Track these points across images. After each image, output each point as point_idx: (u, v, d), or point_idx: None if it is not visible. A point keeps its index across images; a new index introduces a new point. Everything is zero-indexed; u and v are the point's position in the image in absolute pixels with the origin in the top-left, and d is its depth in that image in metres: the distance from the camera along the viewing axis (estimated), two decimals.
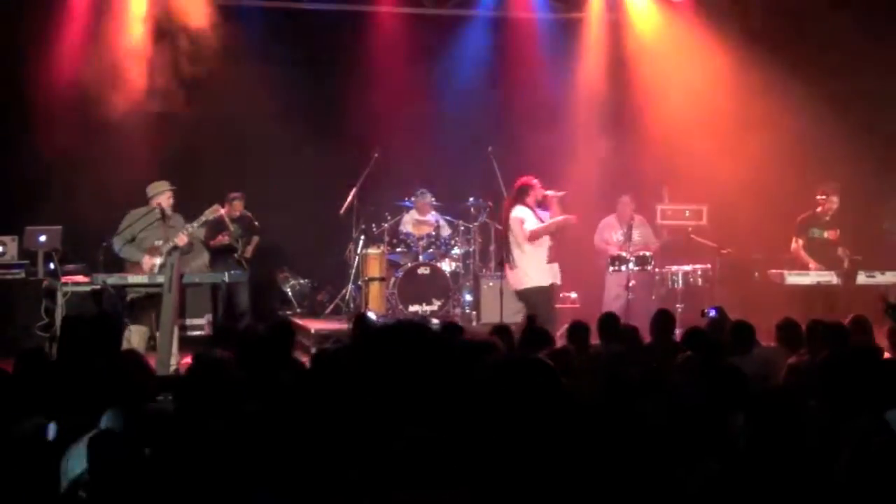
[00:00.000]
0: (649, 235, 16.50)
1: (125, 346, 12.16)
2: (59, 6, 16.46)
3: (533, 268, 13.71)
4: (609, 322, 10.37)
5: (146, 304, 12.79)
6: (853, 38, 15.73)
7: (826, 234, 14.92)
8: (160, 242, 12.89)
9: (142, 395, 5.61)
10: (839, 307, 13.01)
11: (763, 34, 17.00)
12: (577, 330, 10.09)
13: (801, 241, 15.03)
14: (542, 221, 13.68)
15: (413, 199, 17.08)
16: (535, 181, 13.80)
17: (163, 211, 13.06)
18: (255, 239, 16.25)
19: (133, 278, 12.66)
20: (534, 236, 13.69)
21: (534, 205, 13.74)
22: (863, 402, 5.16)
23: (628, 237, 15.87)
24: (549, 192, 13.77)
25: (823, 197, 15.03)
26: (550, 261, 13.72)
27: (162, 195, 13.19)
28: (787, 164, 16.17)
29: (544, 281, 13.70)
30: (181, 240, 12.79)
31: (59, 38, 16.35)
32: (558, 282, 13.94)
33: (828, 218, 14.96)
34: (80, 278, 13.53)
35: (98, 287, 12.62)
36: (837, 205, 14.98)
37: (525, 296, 13.79)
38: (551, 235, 13.72)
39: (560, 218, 13.75)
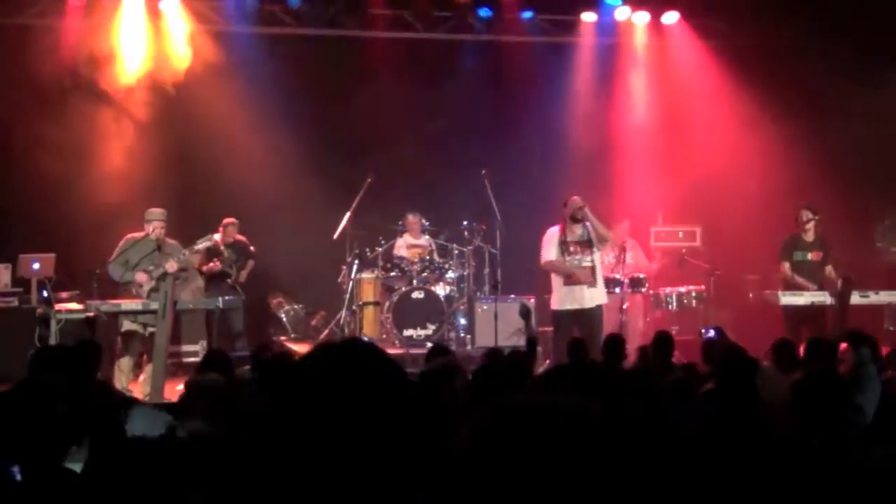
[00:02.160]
0: (641, 258, 16.51)
1: (116, 373, 12.21)
2: (54, 27, 16.44)
3: (554, 289, 13.76)
4: (616, 343, 10.38)
5: (136, 335, 12.79)
6: (840, 63, 15.77)
7: (810, 256, 14.92)
8: (152, 268, 12.89)
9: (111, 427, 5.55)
10: (833, 328, 13.01)
11: (754, 57, 17.05)
12: (577, 346, 10.14)
13: (787, 265, 15.02)
14: (562, 243, 13.69)
15: (401, 222, 17.09)
16: (572, 199, 13.76)
17: (157, 240, 13.06)
18: (250, 264, 16.24)
19: (127, 305, 12.65)
20: (544, 265, 13.88)
21: (568, 220, 13.69)
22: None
23: (621, 260, 15.87)
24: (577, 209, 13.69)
25: (802, 217, 15.03)
26: (571, 283, 13.67)
27: (150, 224, 13.17)
28: (781, 185, 16.19)
29: (556, 304, 13.70)
30: (171, 266, 12.77)
31: (49, 63, 16.32)
32: (586, 305, 13.63)
33: (811, 239, 14.96)
34: (73, 306, 13.52)
35: (92, 314, 12.61)
36: (817, 222, 14.95)
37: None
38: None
39: (571, 272, 13.70)
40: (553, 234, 13.80)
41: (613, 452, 2.33)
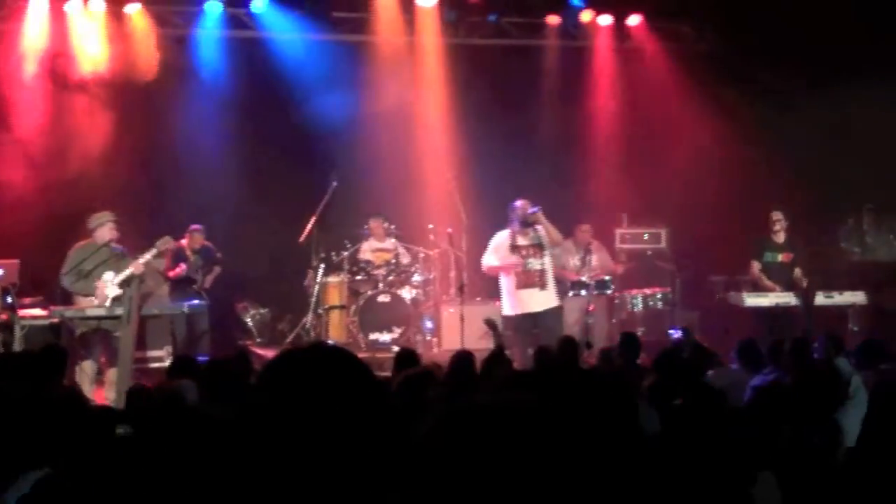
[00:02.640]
0: (606, 260, 16.52)
1: (80, 379, 12.13)
2: (11, 39, 16.36)
3: (503, 295, 13.80)
4: (570, 345, 10.40)
5: (94, 339, 12.69)
6: (802, 65, 15.87)
7: (780, 258, 14.99)
8: (111, 275, 12.78)
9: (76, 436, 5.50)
10: (798, 328, 13.07)
11: (717, 60, 17.13)
12: (543, 353, 10.13)
13: (758, 265, 15.09)
14: (513, 247, 13.69)
15: (366, 226, 17.07)
16: (517, 203, 13.80)
17: (112, 249, 12.96)
18: (216, 269, 16.16)
19: (91, 311, 12.57)
20: (487, 270, 14.12)
21: (518, 225, 13.73)
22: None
23: (585, 262, 15.89)
24: (530, 210, 13.73)
25: (772, 218, 15.10)
26: (522, 286, 13.68)
27: (104, 226, 13.06)
28: (746, 187, 16.27)
29: (508, 310, 13.74)
30: (137, 267, 12.67)
31: (11, 70, 16.26)
32: (536, 308, 13.76)
33: (781, 241, 15.03)
34: (37, 312, 13.44)
35: (56, 320, 12.54)
36: (787, 224, 15.03)
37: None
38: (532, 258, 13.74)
39: (508, 263, 13.77)
40: (503, 238, 13.86)
41: (549, 446, 2.38)
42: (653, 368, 9.12)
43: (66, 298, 13.20)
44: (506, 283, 13.77)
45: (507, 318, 13.91)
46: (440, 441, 2.43)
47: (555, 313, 13.87)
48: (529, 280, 13.64)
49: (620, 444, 4.27)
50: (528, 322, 13.63)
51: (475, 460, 2.38)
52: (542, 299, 13.70)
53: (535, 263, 13.69)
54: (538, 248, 13.74)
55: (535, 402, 2.53)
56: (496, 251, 13.83)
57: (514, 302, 13.70)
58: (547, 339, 12.74)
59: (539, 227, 13.70)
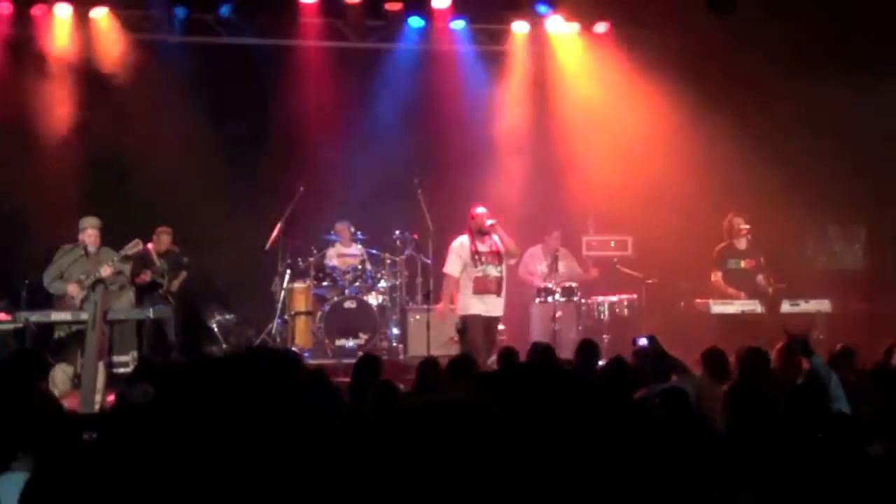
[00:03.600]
0: (574, 267, 16.58)
1: (50, 384, 12.03)
2: None
3: (461, 296, 13.82)
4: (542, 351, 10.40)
5: (71, 342, 12.66)
6: (769, 73, 15.95)
7: (743, 264, 15.07)
8: (84, 276, 12.76)
9: (54, 438, 5.50)
10: (764, 336, 13.11)
11: (683, 67, 17.20)
12: (507, 356, 10.16)
13: (720, 274, 15.15)
14: (474, 252, 13.76)
15: (333, 231, 17.06)
16: (476, 211, 13.86)
17: (86, 248, 12.93)
18: (183, 274, 16.13)
19: (57, 315, 12.53)
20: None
21: (475, 233, 13.79)
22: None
23: (553, 269, 15.93)
24: (488, 222, 13.80)
25: (734, 225, 15.17)
26: (480, 291, 13.73)
27: (84, 231, 13.07)
28: (712, 195, 16.32)
29: (464, 310, 13.79)
30: (105, 271, 12.67)
31: None
32: (492, 313, 13.85)
33: (743, 248, 15.11)
34: (2, 316, 13.37)
35: (21, 325, 12.48)
36: (748, 231, 15.11)
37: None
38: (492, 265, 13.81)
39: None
40: (463, 244, 13.92)
41: (487, 441, 2.44)
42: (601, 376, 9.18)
43: (33, 303, 13.15)
44: (465, 286, 13.81)
45: (462, 319, 13.97)
46: (372, 443, 2.48)
47: (496, 322, 14.09)
48: (487, 286, 13.70)
49: (586, 445, 4.30)
50: (482, 323, 13.69)
51: (404, 458, 2.42)
52: (495, 306, 13.80)
53: (493, 270, 13.77)
54: (497, 255, 13.81)
55: (464, 401, 2.58)
56: (459, 257, 13.87)
57: (470, 304, 13.76)
58: (491, 342, 13.58)
59: (496, 236, 13.79)
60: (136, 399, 6.98)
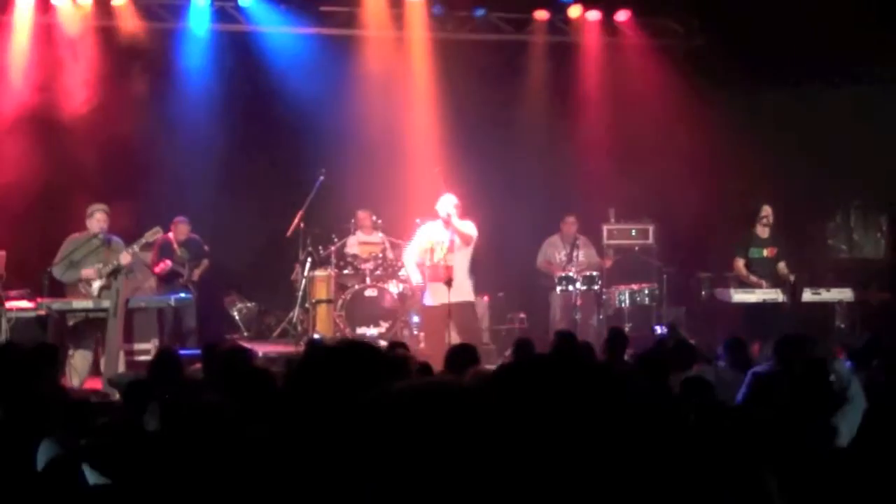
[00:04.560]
0: (593, 255, 16.54)
1: (69, 370, 12.08)
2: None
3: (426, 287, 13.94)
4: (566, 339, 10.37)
5: (89, 328, 12.66)
6: (792, 57, 15.87)
7: (765, 252, 15.00)
8: (100, 265, 12.74)
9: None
10: (786, 325, 13.06)
11: (705, 55, 17.13)
12: (524, 346, 10.12)
13: (742, 261, 15.10)
14: (430, 241, 13.86)
15: (354, 219, 17.06)
16: (441, 198, 13.88)
17: (102, 238, 12.89)
18: (204, 263, 16.17)
19: (78, 303, 12.54)
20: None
21: (444, 220, 13.79)
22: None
23: (571, 257, 15.91)
24: (443, 212, 13.77)
25: (761, 214, 15.11)
26: (434, 279, 13.74)
27: (92, 217, 13.00)
28: (733, 183, 16.28)
29: (425, 300, 13.88)
30: (125, 258, 12.63)
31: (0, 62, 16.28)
32: (455, 299, 13.55)
33: (766, 236, 15.04)
34: (24, 304, 13.40)
35: (43, 313, 12.51)
36: (772, 218, 15.04)
37: None
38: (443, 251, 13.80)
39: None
40: (422, 232, 14.02)
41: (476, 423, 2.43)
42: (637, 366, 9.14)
43: (54, 290, 13.16)
44: (426, 274, 13.83)
45: (423, 308, 14.14)
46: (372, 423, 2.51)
47: (465, 308, 13.86)
48: (436, 275, 13.66)
49: (607, 436, 4.28)
50: (443, 314, 13.64)
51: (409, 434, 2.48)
52: (453, 293, 13.67)
53: (445, 259, 13.72)
54: (451, 244, 13.76)
55: (458, 385, 2.60)
56: (418, 245, 13.96)
57: (430, 293, 13.76)
58: (459, 334, 13.36)
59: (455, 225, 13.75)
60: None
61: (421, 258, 13.93)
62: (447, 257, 13.69)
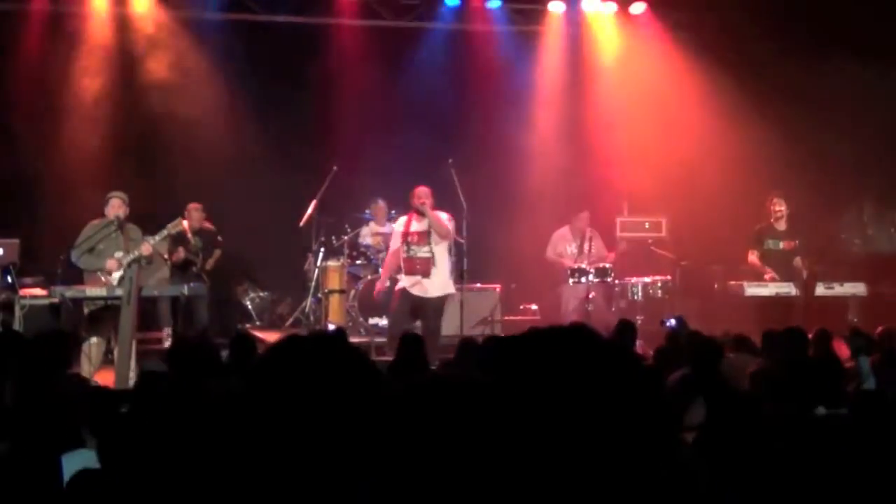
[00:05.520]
0: (601, 248, 16.51)
1: (83, 359, 12.08)
2: (15, 17, 16.40)
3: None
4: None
5: (104, 317, 12.64)
6: (804, 55, 15.83)
7: (782, 245, 14.98)
8: (121, 254, 12.73)
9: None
10: (798, 319, 13.05)
11: (719, 49, 17.09)
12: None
13: (756, 253, 15.08)
14: (405, 234, 13.92)
15: (368, 210, 17.10)
16: (418, 190, 13.96)
17: (119, 223, 12.86)
18: (217, 253, 16.19)
19: (91, 291, 12.52)
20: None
21: (416, 213, 13.88)
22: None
23: (582, 249, 15.92)
24: (418, 203, 13.89)
25: (775, 206, 15.09)
26: (408, 272, 13.84)
27: (109, 203, 12.99)
28: (747, 177, 16.25)
29: (402, 283, 13.98)
30: (146, 249, 12.60)
31: (17, 50, 16.29)
32: (425, 294, 13.74)
33: (783, 228, 15.02)
34: (38, 291, 13.44)
35: (56, 300, 12.52)
36: (788, 211, 15.02)
37: None
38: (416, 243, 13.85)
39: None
40: (400, 224, 14.10)
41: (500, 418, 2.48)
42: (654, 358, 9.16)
43: (68, 278, 13.18)
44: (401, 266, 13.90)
45: (399, 290, 14.06)
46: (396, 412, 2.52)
47: (436, 303, 13.88)
48: (412, 267, 13.71)
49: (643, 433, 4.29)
50: (413, 301, 13.74)
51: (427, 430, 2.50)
52: (425, 287, 13.72)
53: (419, 251, 13.74)
54: (425, 235, 13.77)
55: (482, 378, 2.62)
56: (395, 237, 14.13)
57: (406, 283, 13.84)
58: (425, 327, 13.42)
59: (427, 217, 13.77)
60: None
61: (398, 252, 14.00)
62: (424, 249, 13.75)
